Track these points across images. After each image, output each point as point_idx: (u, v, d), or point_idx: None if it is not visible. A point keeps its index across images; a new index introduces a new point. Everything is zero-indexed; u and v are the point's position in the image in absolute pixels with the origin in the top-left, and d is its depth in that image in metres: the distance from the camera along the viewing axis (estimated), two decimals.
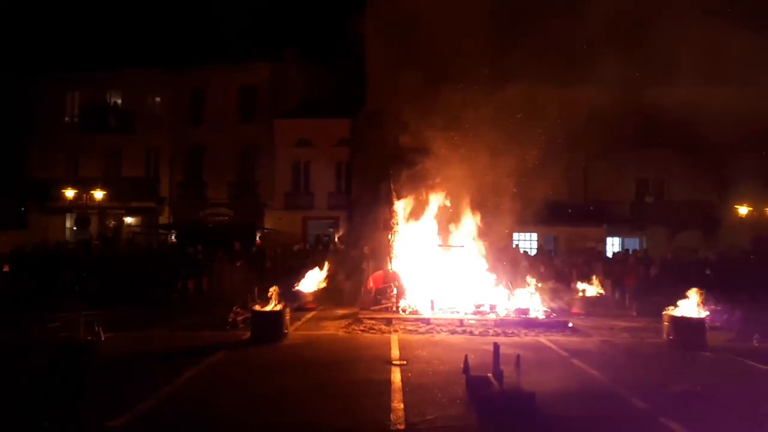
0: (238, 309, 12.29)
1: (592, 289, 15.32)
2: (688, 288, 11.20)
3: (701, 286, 11.61)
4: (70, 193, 26.49)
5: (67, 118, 30.98)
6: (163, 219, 29.66)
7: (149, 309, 14.16)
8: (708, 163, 26.45)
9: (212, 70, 29.20)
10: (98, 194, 26.54)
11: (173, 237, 26.54)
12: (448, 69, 19.87)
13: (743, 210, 24.83)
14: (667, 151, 26.25)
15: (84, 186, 27.14)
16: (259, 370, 8.36)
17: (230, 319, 12.07)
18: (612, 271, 17.75)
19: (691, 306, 10.85)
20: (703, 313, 10.79)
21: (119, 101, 30.71)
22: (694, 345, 10.24)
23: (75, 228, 28.44)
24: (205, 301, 15.91)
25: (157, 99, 30.64)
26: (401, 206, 15.57)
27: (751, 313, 12.82)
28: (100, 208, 27.98)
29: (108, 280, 16.41)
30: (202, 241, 19.71)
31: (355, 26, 25.56)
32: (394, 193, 15.89)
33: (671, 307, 11.00)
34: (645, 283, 17.04)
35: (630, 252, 20.88)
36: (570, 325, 12.37)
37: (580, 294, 15.24)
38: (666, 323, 10.86)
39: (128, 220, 30.52)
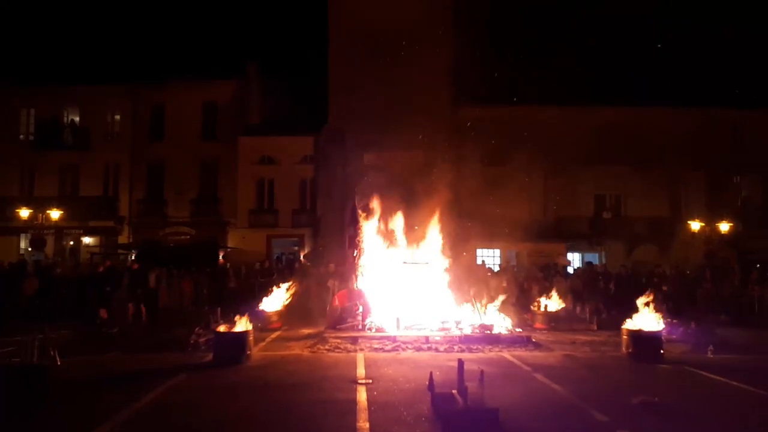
0: (200, 330, 12.07)
1: (553, 303, 15.58)
2: (646, 303, 11.52)
3: (658, 300, 11.94)
4: (24, 212, 25.60)
5: (21, 136, 30.11)
6: (123, 238, 28.96)
7: (107, 330, 13.77)
8: (661, 180, 27.45)
9: (173, 86, 28.88)
10: (54, 214, 25.73)
11: (133, 257, 25.94)
12: (410, 89, 20.15)
13: (696, 225, 25.69)
14: (622, 168, 27.10)
15: (39, 205, 26.32)
16: (221, 393, 8.21)
17: (192, 341, 11.83)
18: (573, 285, 18.09)
19: (648, 320, 11.15)
20: (659, 327, 11.10)
21: (76, 118, 29.99)
22: (651, 358, 10.50)
23: (30, 249, 27.49)
24: (163, 322, 15.52)
25: (116, 116, 30.09)
26: (366, 224, 15.60)
27: (705, 325, 13.28)
28: (57, 228, 27.14)
29: (65, 302, 15.92)
30: (163, 260, 19.28)
31: (317, 44, 25.71)
32: (359, 211, 15.93)
33: (629, 321, 11.28)
34: (605, 297, 17.44)
35: (590, 267, 21.35)
36: (533, 340, 12.54)
37: (542, 309, 15.48)
38: (625, 337, 11.13)
39: (86, 240, 29.68)
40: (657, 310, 11.40)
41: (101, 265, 18.97)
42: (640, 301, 11.45)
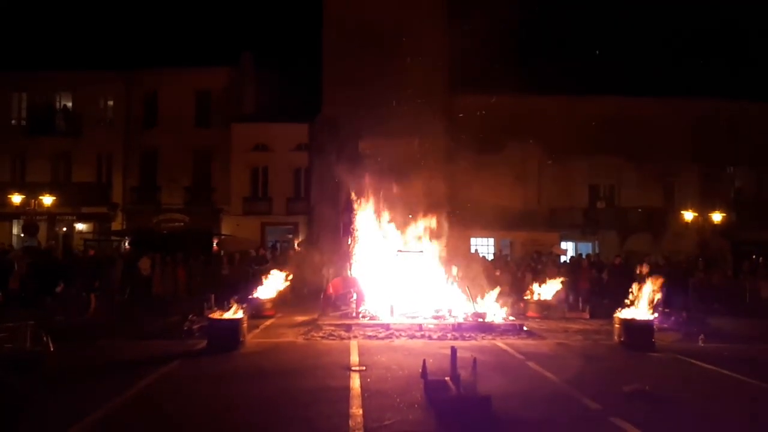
0: (194, 317, 12.05)
1: (546, 292, 15.62)
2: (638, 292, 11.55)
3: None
4: (16, 198, 25.43)
5: (13, 121, 29.87)
6: (116, 225, 28.86)
7: (100, 317, 13.76)
8: (655, 171, 27.53)
9: (166, 73, 28.65)
10: (47, 200, 25.57)
11: (127, 244, 25.84)
12: (404, 77, 20.06)
13: (689, 216, 25.80)
14: (617, 158, 27.15)
15: (32, 191, 26.12)
16: (215, 380, 8.21)
17: (185, 328, 11.80)
18: (566, 274, 18.14)
19: (640, 309, 11.20)
20: (651, 316, 11.16)
21: (69, 104, 29.74)
22: (643, 346, 10.57)
23: (22, 235, 27.35)
24: (156, 308, 15.50)
25: (110, 102, 29.85)
26: (360, 211, 15.59)
27: (697, 314, 13.38)
28: (50, 214, 27.00)
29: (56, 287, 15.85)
30: (157, 247, 19.23)
31: (311, 32, 25.50)
32: (353, 199, 15.92)
33: (621, 310, 11.33)
34: (598, 286, 17.53)
35: (583, 256, 21.45)
36: (525, 328, 12.59)
37: (535, 297, 15.53)
38: (617, 325, 11.19)
39: (79, 226, 29.55)
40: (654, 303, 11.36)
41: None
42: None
